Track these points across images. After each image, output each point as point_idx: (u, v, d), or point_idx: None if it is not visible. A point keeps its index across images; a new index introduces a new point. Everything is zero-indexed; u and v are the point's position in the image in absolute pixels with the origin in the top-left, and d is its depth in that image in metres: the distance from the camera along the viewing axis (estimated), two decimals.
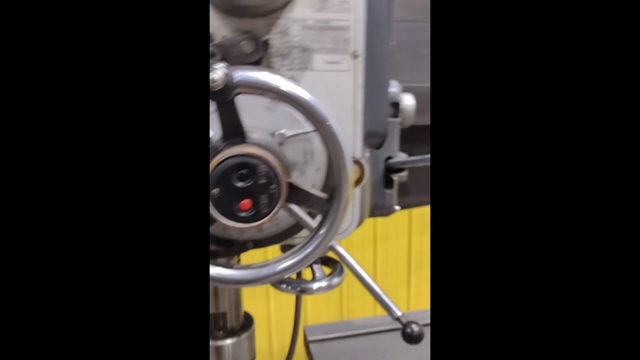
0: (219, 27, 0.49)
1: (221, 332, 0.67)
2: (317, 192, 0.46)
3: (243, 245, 0.56)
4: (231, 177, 0.41)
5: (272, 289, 1.61)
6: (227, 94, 0.38)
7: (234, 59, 0.48)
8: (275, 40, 0.51)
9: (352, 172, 0.45)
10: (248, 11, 0.49)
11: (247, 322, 0.71)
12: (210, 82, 0.37)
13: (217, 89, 0.37)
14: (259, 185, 0.41)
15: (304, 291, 0.66)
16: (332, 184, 0.45)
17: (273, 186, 0.42)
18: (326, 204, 0.46)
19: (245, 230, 0.54)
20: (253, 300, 1.64)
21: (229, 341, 0.67)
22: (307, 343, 1.04)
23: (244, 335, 0.68)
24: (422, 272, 1.69)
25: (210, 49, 0.47)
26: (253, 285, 0.46)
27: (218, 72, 0.37)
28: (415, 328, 0.50)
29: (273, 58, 0.51)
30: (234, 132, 0.42)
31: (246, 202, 0.41)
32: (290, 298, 1.68)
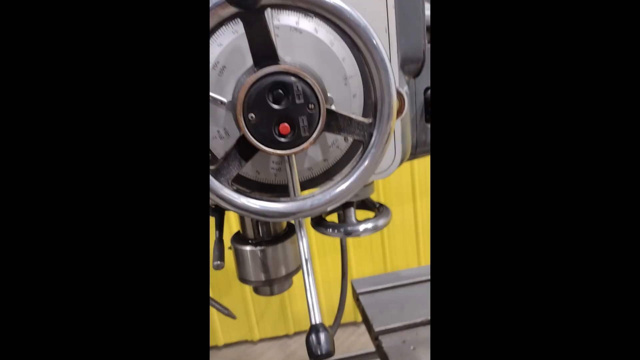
0: None
1: (265, 237, 0.65)
2: (359, 117, 0.43)
3: (285, 189, 0.55)
4: (266, 98, 0.38)
5: (316, 252, 1.62)
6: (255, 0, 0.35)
7: None
8: None
9: (395, 86, 0.41)
10: None
11: (290, 228, 0.68)
12: None
13: None
14: (297, 105, 0.39)
15: (349, 233, 0.64)
16: (374, 102, 0.41)
17: (311, 105, 0.39)
18: (369, 127, 0.43)
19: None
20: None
21: (273, 246, 0.65)
22: (356, 296, 1.04)
23: (289, 240, 0.66)
24: None
25: None
26: (299, 217, 0.44)
27: None
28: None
29: None
30: (266, 53, 0.39)
31: (285, 126, 0.39)
32: (334, 259, 1.68)
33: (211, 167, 0.42)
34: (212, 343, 1.67)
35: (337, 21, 0.38)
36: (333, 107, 0.42)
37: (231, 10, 0.37)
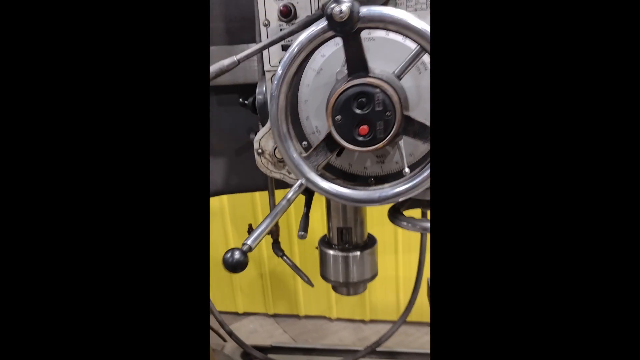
0: None
1: (347, 245, 0.75)
2: None
3: (365, 180, 0.62)
4: (351, 104, 0.47)
5: (400, 246, 1.66)
6: (350, 25, 0.43)
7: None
8: None
9: None
10: None
11: (370, 241, 0.77)
12: (337, 13, 0.43)
13: (343, 20, 0.43)
14: (376, 112, 0.46)
15: (425, 229, 0.68)
16: None
17: (388, 113, 0.46)
18: None
19: (368, 166, 0.58)
20: (382, 256, 1.71)
21: (353, 254, 0.74)
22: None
23: (367, 252, 0.75)
24: None
25: None
26: (366, 204, 0.52)
27: (344, 4, 0.43)
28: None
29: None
30: (358, 66, 0.47)
31: (364, 128, 0.47)
32: (417, 256, 1.69)
33: (303, 155, 0.52)
34: (294, 312, 1.83)
35: (422, 43, 0.45)
36: (410, 114, 0.48)
37: (332, 33, 0.46)
